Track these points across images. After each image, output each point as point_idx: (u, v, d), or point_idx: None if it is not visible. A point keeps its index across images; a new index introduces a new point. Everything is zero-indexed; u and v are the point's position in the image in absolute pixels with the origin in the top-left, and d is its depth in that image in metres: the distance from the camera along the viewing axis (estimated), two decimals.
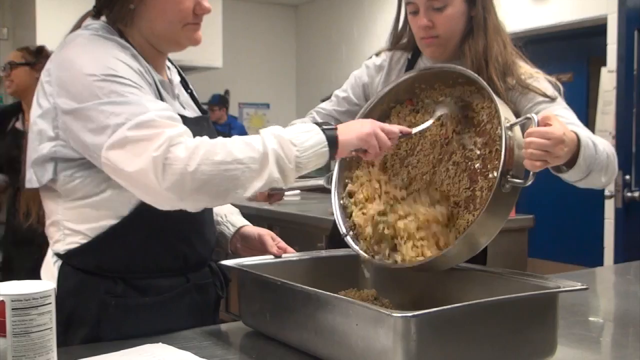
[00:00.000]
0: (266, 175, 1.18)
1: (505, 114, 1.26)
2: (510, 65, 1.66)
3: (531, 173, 1.21)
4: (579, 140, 1.33)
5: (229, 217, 1.61)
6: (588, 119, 4.45)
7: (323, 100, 2.04)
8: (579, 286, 1.15)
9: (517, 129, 1.24)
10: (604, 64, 3.99)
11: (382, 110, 1.50)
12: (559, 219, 4.65)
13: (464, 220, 1.30)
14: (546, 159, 1.20)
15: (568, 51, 4.70)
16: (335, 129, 1.26)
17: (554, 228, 4.66)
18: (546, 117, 1.24)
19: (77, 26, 1.37)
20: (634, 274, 2.13)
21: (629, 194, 3.46)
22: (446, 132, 1.40)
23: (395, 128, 1.33)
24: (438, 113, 1.39)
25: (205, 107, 1.62)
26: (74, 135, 1.23)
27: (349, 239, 1.43)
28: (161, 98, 1.32)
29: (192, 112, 1.47)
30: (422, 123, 1.40)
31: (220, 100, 6.16)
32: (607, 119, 3.80)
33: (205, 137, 1.19)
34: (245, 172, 1.17)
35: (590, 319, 1.57)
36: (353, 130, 1.27)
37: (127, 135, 1.15)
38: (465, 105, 1.39)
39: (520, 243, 3.53)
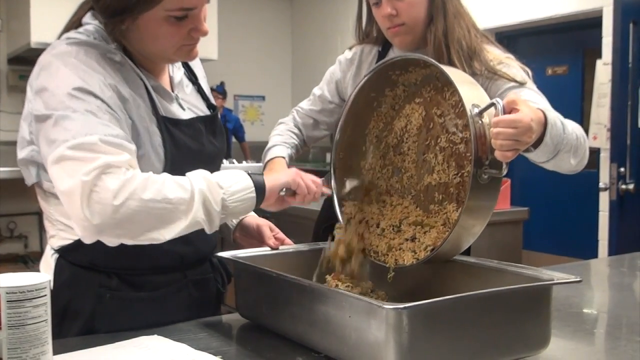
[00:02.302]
0: (191, 216, 1.16)
1: (472, 98, 1.21)
2: (477, 50, 1.64)
3: (504, 163, 1.18)
4: (545, 118, 1.29)
5: None
6: (583, 111, 4.46)
7: None
8: (572, 279, 1.15)
9: (489, 111, 1.20)
10: (599, 56, 3.99)
11: (364, 102, 1.50)
12: (553, 211, 4.67)
13: (456, 210, 1.29)
14: (517, 147, 1.17)
15: (563, 44, 4.70)
16: (262, 175, 1.30)
17: (549, 220, 4.68)
18: (512, 102, 1.19)
19: (77, 20, 1.35)
20: (628, 266, 2.14)
21: (623, 186, 3.47)
22: (428, 115, 1.39)
23: (318, 179, 1.39)
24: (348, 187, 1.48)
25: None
26: (38, 143, 1.23)
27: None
28: (153, 105, 1.31)
29: (193, 112, 1.43)
30: (405, 117, 1.42)
31: (224, 91, 6.22)
32: (602, 111, 3.81)
33: (137, 172, 1.16)
34: (173, 212, 1.15)
35: (585, 310, 1.58)
36: (279, 175, 1.34)
37: (64, 154, 1.14)
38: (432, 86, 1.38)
39: (515, 235, 3.54)
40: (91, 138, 1.14)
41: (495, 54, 1.67)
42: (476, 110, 1.19)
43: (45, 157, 1.19)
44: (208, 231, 1.22)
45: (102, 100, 1.20)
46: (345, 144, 1.53)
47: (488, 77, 1.62)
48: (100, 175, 1.11)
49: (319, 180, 1.38)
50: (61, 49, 1.26)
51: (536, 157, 1.37)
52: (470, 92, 1.23)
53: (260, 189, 1.26)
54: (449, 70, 1.27)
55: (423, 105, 1.40)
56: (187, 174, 1.21)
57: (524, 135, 1.16)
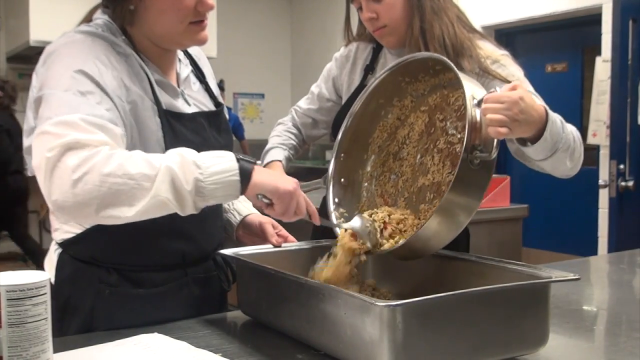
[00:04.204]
0: (152, 193, 1.09)
1: (472, 91, 1.22)
2: (465, 46, 1.62)
3: (494, 144, 1.17)
4: (547, 113, 1.30)
5: (236, 205, 1.59)
6: (582, 108, 4.46)
7: None
8: (571, 276, 1.14)
9: None
10: (599, 53, 3.99)
11: (373, 109, 1.50)
12: (553, 208, 4.67)
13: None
14: (507, 125, 1.17)
15: (563, 41, 4.70)
16: (254, 163, 1.18)
17: (549, 218, 4.68)
18: (512, 87, 1.21)
19: (88, 17, 1.36)
20: (627, 263, 2.15)
21: (623, 184, 3.47)
22: (430, 120, 1.39)
23: (312, 205, 1.29)
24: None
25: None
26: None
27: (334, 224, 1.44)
28: (156, 98, 1.31)
29: (199, 107, 1.43)
30: (409, 125, 1.42)
31: (221, 87, 6.24)
32: (602, 108, 3.81)
33: (104, 149, 1.11)
34: (134, 188, 1.08)
35: (584, 308, 1.58)
36: (273, 177, 1.20)
37: (45, 129, 1.13)
38: (442, 93, 1.38)
39: (515, 233, 3.54)
40: (72, 116, 1.13)
41: (489, 51, 1.65)
42: (475, 101, 1.20)
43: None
44: (181, 213, 1.14)
45: (98, 84, 1.20)
46: (347, 148, 1.51)
47: (481, 75, 1.61)
48: (64, 152, 1.09)
49: (312, 208, 1.29)
50: (68, 38, 1.27)
51: (535, 153, 1.37)
52: (472, 87, 1.24)
53: (246, 175, 1.16)
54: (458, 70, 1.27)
55: (427, 112, 1.40)
56: (169, 150, 1.16)
57: (511, 110, 1.18)
